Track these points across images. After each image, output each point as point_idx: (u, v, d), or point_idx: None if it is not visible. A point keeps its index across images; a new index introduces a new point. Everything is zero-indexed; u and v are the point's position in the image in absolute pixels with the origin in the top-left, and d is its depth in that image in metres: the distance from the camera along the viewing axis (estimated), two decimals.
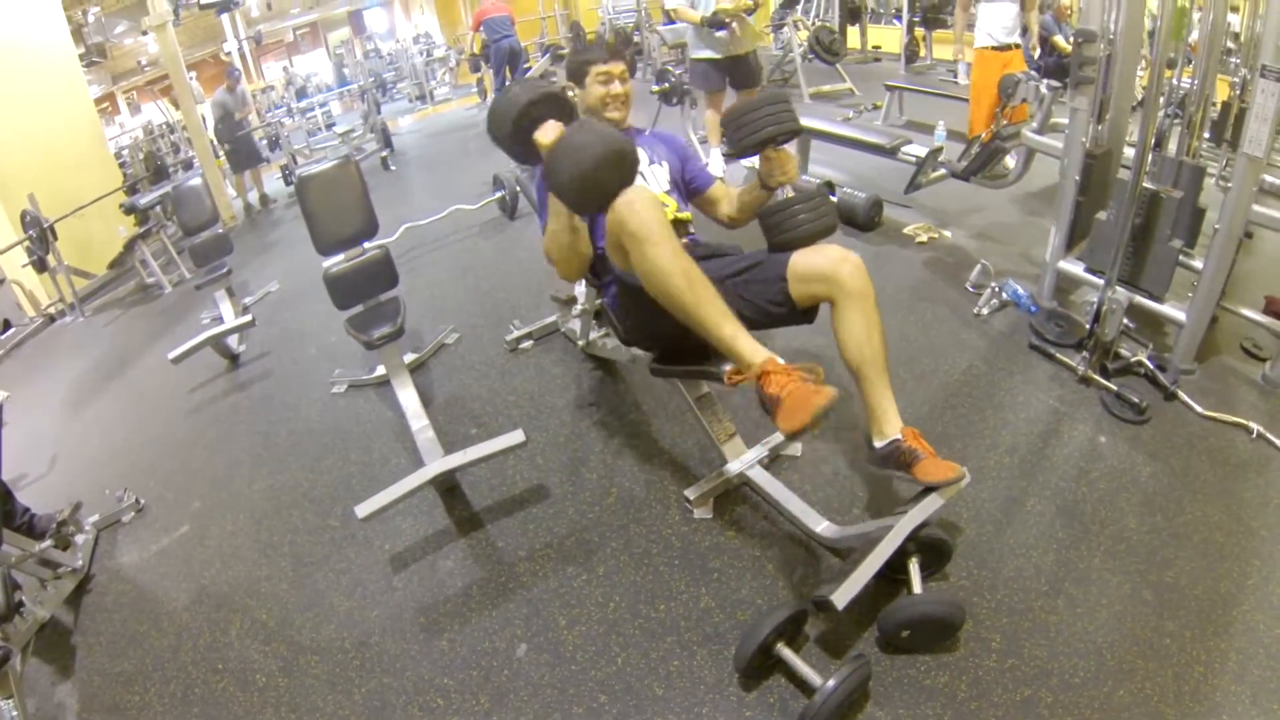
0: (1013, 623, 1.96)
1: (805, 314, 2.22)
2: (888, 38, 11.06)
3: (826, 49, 8.49)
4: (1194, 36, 3.49)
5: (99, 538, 3.11)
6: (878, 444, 2.11)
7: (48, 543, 2.79)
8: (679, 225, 2.50)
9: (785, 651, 1.84)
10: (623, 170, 1.99)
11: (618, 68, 2.53)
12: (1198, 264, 2.82)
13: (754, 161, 2.41)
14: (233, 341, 4.49)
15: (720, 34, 5.00)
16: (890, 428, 2.09)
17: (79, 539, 3.01)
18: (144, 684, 2.36)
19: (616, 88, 2.54)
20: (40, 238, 6.32)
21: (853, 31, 10.70)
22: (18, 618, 2.44)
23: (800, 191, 2.35)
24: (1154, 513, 2.26)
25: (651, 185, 2.53)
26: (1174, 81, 3.65)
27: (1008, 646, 1.90)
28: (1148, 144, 2.66)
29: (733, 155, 5.85)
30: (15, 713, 2.12)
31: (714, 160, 5.69)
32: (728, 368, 1.99)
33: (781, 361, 1.80)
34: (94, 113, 8.67)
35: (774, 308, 2.20)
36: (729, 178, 5.51)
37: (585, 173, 1.93)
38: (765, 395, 1.76)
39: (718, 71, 5.17)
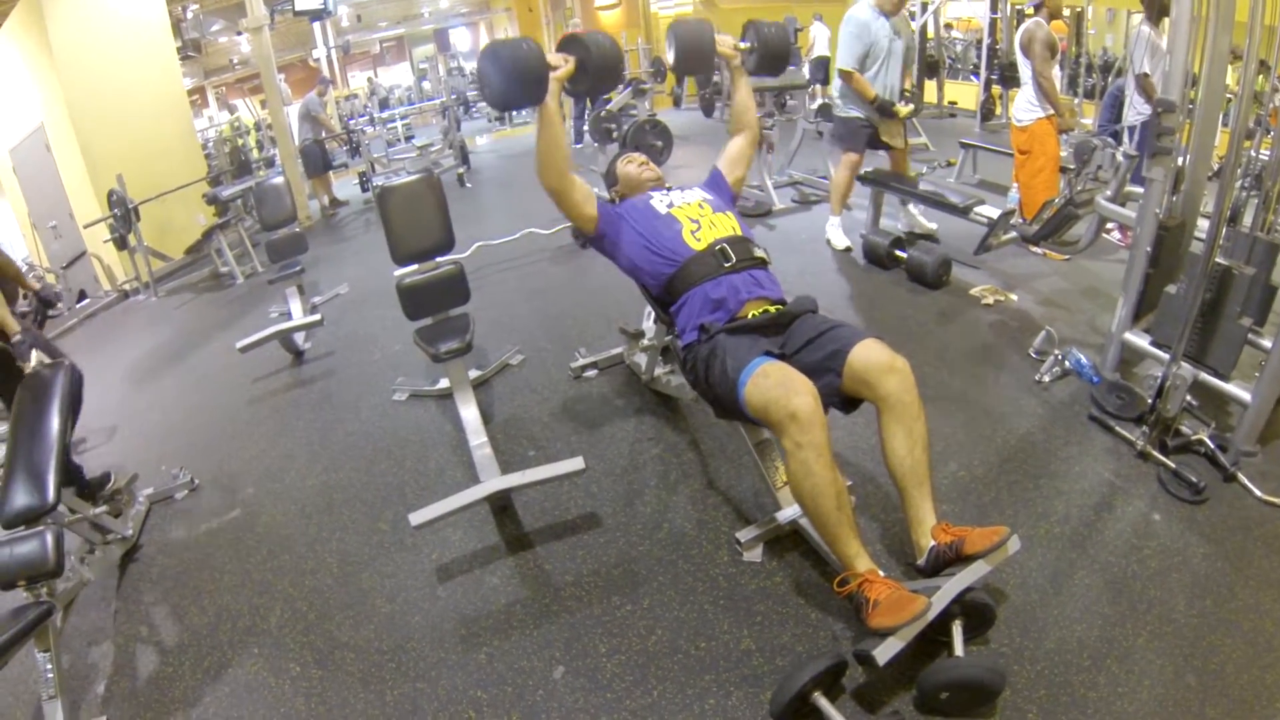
0: (1051, 695, 1.92)
1: (845, 403, 2.25)
2: (964, 94, 11.03)
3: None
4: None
5: (151, 510, 3.23)
6: (920, 561, 2.14)
7: (102, 508, 2.89)
8: (738, 245, 2.54)
9: (821, 701, 1.83)
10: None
11: (638, 156, 3.06)
12: (1266, 343, 2.75)
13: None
14: (299, 338, 4.62)
15: (883, 119, 4.88)
16: (925, 539, 2.12)
17: (132, 509, 3.14)
18: (178, 657, 2.43)
19: (638, 162, 3.01)
20: (124, 217, 6.57)
21: (929, 85, 10.68)
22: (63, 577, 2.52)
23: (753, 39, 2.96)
24: (1204, 596, 2.20)
25: (687, 196, 2.73)
26: (1252, 153, 3.59)
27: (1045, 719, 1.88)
28: (1223, 217, 2.63)
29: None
30: (50, 666, 2.20)
31: (834, 233, 5.31)
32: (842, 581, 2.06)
33: (881, 573, 1.98)
34: (186, 104, 9.01)
35: (822, 391, 2.21)
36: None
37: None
38: (862, 596, 1.92)
39: (865, 132, 4.93)
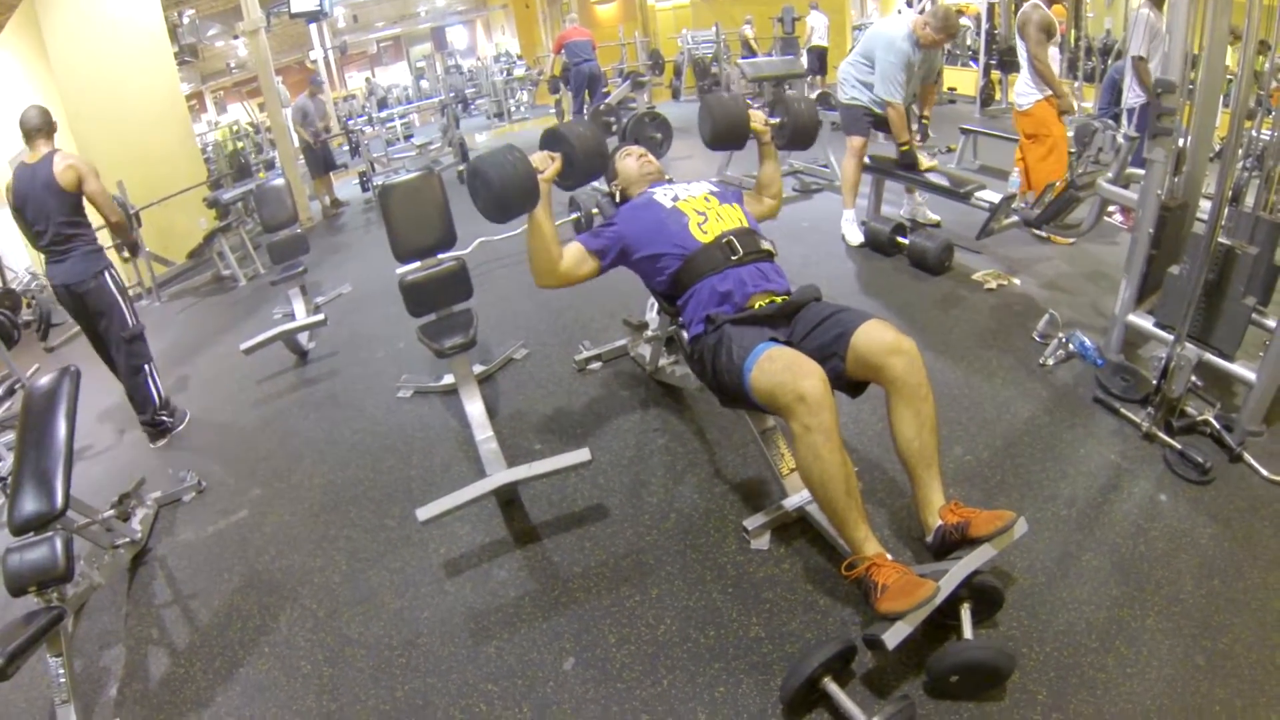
0: (1060, 677, 1.92)
1: (852, 387, 2.26)
2: (963, 80, 10.99)
3: None
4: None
5: (159, 513, 3.24)
6: (928, 539, 2.15)
7: (110, 512, 2.90)
8: (745, 237, 2.52)
9: (831, 686, 1.83)
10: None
11: (636, 149, 3.06)
12: (1271, 323, 2.75)
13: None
14: (303, 338, 4.63)
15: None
16: (934, 520, 2.12)
17: (140, 512, 3.14)
18: (189, 658, 2.45)
19: (637, 155, 3.02)
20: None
21: None
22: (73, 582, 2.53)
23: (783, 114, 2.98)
24: (1212, 576, 2.20)
25: (693, 190, 2.71)
26: (1253, 133, 3.58)
27: (1054, 701, 1.87)
28: (1224, 197, 2.62)
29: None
30: (63, 671, 2.21)
31: (848, 228, 5.18)
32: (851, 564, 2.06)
33: (889, 557, 1.99)
34: (185, 109, 9.01)
35: (827, 376, 2.21)
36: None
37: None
38: (871, 581, 1.92)
39: (867, 119, 5.00)
